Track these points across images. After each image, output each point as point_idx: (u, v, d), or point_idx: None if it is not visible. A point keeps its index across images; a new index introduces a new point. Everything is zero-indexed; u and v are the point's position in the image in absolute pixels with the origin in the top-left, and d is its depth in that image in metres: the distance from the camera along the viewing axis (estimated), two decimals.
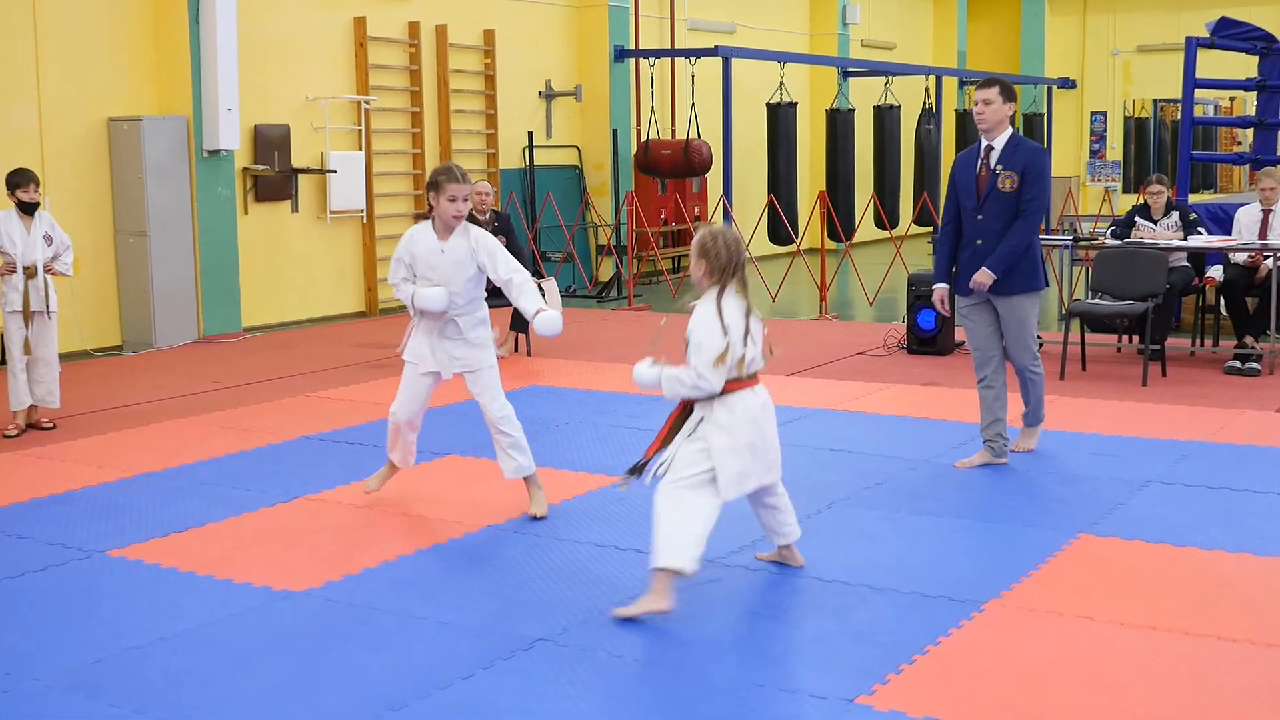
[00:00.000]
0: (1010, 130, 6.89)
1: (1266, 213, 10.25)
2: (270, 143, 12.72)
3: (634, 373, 4.93)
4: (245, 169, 12.58)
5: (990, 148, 6.87)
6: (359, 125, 13.65)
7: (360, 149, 13.65)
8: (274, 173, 12.73)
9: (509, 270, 5.98)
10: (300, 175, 13.08)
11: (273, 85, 12.84)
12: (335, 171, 13.22)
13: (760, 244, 17.20)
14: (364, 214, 13.71)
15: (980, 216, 6.85)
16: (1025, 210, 6.78)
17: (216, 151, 12.04)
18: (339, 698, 4.14)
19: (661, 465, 4.88)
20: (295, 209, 13.15)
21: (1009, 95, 6.85)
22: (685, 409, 4.92)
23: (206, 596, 5.09)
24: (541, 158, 16.21)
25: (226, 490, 6.66)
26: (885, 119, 19.97)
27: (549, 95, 16.35)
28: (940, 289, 7.06)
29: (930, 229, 19.80)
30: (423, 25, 14.33)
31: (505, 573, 5.35)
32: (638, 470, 4.96)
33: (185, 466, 7.16)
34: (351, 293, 13.81)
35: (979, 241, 6.86)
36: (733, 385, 4.84)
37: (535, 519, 6.05)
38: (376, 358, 10.80)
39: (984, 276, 6.77)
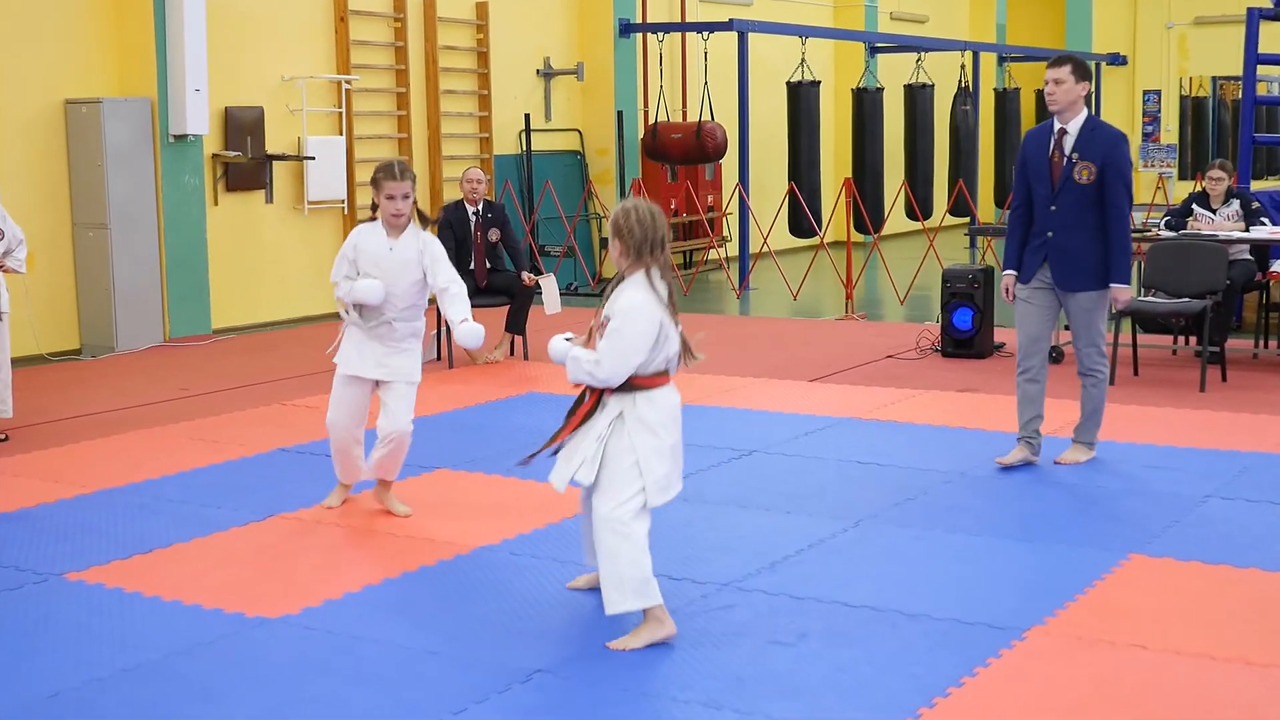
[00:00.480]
0: (1085, 112, 6.98)
1: None
2: (242, 127, 12.75)
3: (549, 344, 4.94)
4: (215, 155, 12.61)
5: (1064, 131, 6.97)
6: (340, 108, 13.68)
7: (341, 133, 13.68)
8: (246, 159, 12.77)
9: (446, 280, 6.37)
10: (275, 162, 13.11)
11: (245, 64, 12.87)
12: (314, 158, 13.25)
13: (780, 236, 17.21)
14: (345, 205, 13.74)
15: (1053, 208, 6.97)
16: (1117, 214, 6.94)
17: (184, 136, 12.07)
18: None
19: (578, 466, 4.81)
20: (270, 199, 13.19)
21: (1083, 74, 6.95)
22: (599, 399, 4.86)
23: (173, 624, 5.10)
24: (539, 142, 16.23)
25: (195, 508, 6.67)
26: (917, 99, 19.97)
27: (548, 74, 16.37)
28: (1009, 276, 7.22)
29: (967, 219, 19.80)
30: None
31: (500, 598, 5.35)
32: (532, 458, 5.09)
33: (150, 482, 7.18)
34: (331, 292, 13.73)
35: (1050, 234, 6.98)
36: (656, 380, 4.83)
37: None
38: None
39: (1124, 294, 7.04)
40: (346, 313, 6.51)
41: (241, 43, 12.81)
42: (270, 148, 13.04)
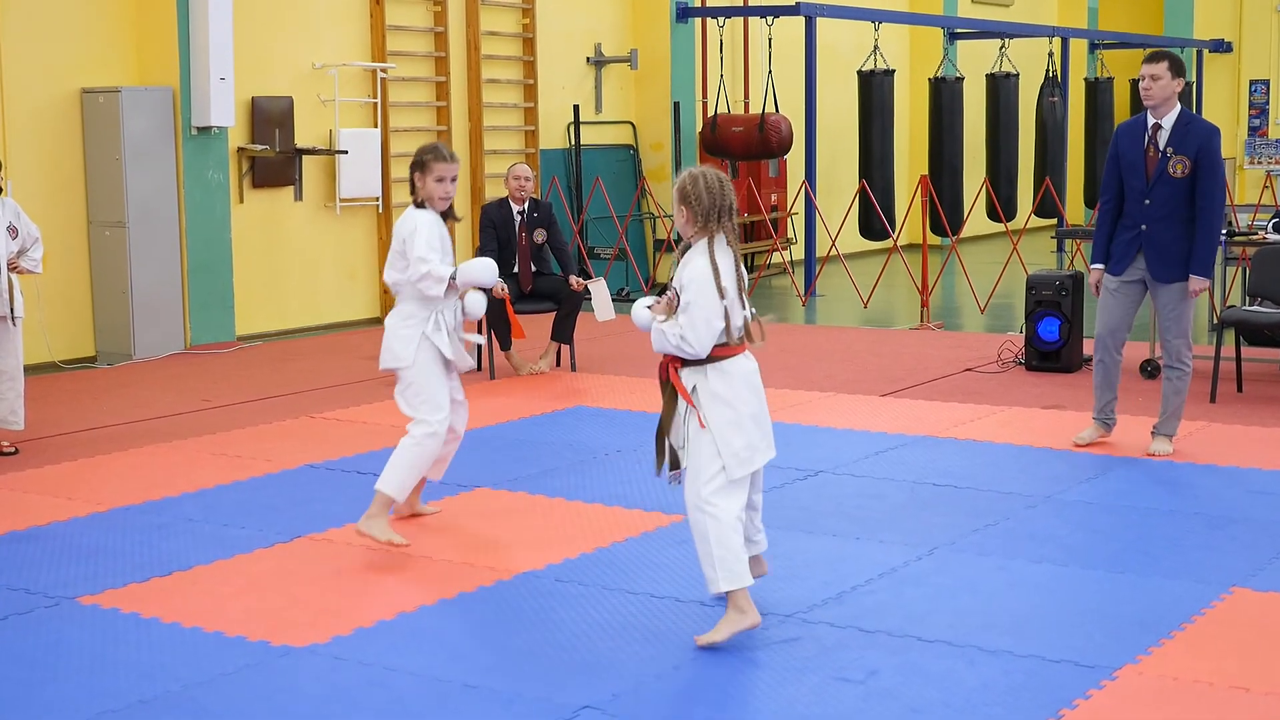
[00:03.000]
0: (1179, 107, 7.66)
1: None
2: (270, 118, 12.84)
3: (633, 311, 5.26)
4: (241, 149, 12.71)
5: (1158, 125, 7.64)
6: (374, 98, 13.76)
7: (376, 126, 13.75)
8: (274, 154, 12.85)
9: None
10: (305, 157, 13.19)
11: (273, 51, 12.97)
12: (346, 152, 13.33)
13: (850, 238, 17.19)
14: (379, 203, 13.82)
15: (1148, 201, 7.63)
16: (1207, 204, 7.59)
17: (207, 128, 12.17)
18: None
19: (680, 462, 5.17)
20: (299, 196, 13.27)
21: (1179, 70, 7.61)
22: (667, 379, 5.17)
23: (194, 652, 5.14)
24: (589, 135, 16.25)
25: (217, 527, 6.73)
26: (1000, 90, 19.89)
27: (599, 62, 16.41)
28: (1097, 271, 7.89)
29: (1054, 221, 19.70)
30: None
31: (543, 628, 5.37)
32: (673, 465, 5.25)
33: (169, 500, 7.24)
34: (364, 296, 13.92)
35: (1143, 227, 7.64)
36: (727, 351, 5.10)
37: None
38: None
39: (1199, 284, 7.64)
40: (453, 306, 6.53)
41: (269, 28, 12.91)
42: (300, 141, 13.12)
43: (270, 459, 8.09)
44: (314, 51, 13.30)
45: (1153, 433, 7.95)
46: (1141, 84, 7.64)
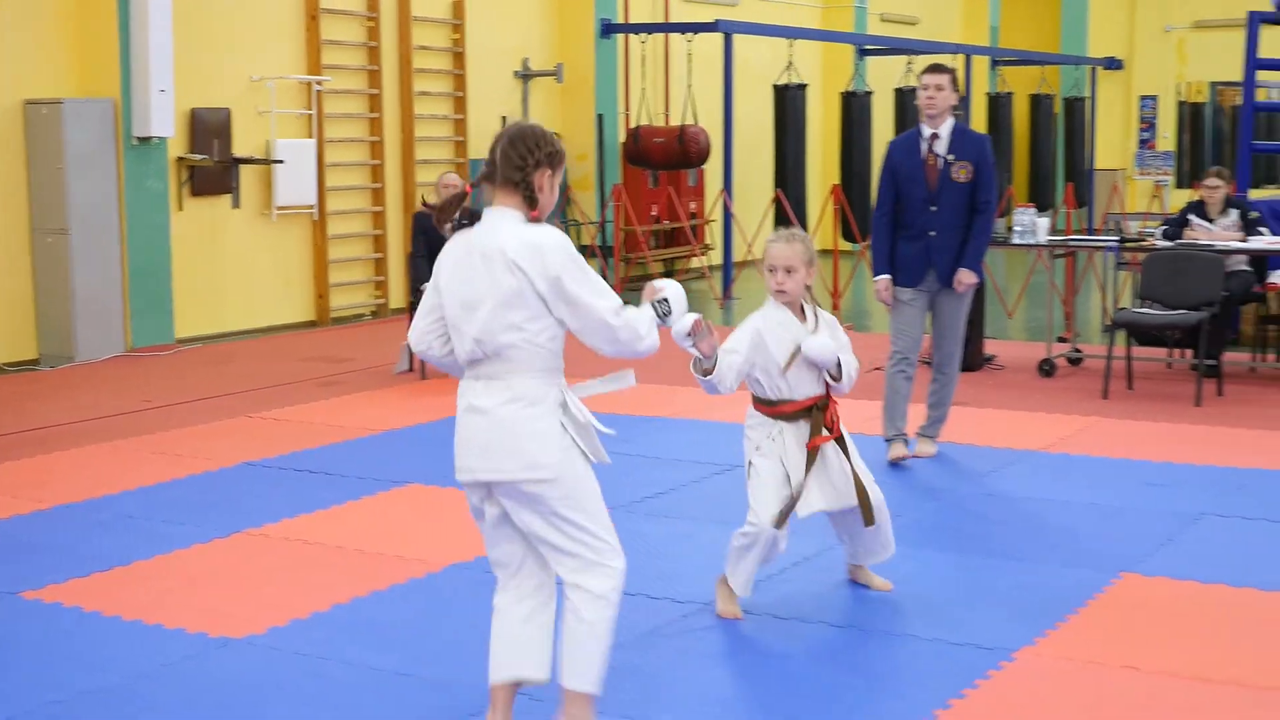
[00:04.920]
0: (952, 118, 7.63)
1: None
2: (209, 129, 12.74)
3: (818, 349, 5.18)
4: (180, 159, 12.59)
5: (936, 135, 7.59)
6: (310, 109, 13.68)
7: (311, 136, 13.67)
8: (213, 163, 12.75)
9: None
10: (243, 166, 13.09)
11: (212, 64, 12.85)
12: (282, 162, 13.24)
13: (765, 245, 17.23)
14: (315, 210, 13.73)
15: (934, 208, 7.60)
16: (985, 207, 7.61)
17: (148, 139, 12.06)
18: None
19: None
20: (236, 204, 13.17)
21: (956, 83, 7.65)
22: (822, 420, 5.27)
23: (135, 645, 5.10)
24: None
25: (157, 524, 6.67)
26: (907, 103, 20.02)
27: (526, 75, 16.40)
28: (884, 280, 7.78)
29: None
30: None
31: (473, 617, 5.34)
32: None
33: (110, 497, 7.17)
34: (300, 300, 13.82)
35: (932, 234, 7.59)
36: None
37: None
38: (328, 373, 10.82)
39: (969, 278, 7.60)
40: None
41: (208, 42, 12.79)
42: (237, 151, 13.02)
43: (209, 457, 8.02)
44: (251, 65, 13.20)
45: (919, 434, 7.88)
46: (925, 94, 7.55)
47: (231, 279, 13.15)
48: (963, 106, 20.71)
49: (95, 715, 4.48)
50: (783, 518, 5.18)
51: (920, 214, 7.59)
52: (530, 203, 4.00)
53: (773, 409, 5.24)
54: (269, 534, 6.50)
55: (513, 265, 3.92)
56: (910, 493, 7.07)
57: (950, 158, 7.53)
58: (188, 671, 4.84)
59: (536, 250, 3.91)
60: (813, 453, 5.21)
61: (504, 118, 15.85)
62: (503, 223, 3.98)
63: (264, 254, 13.43)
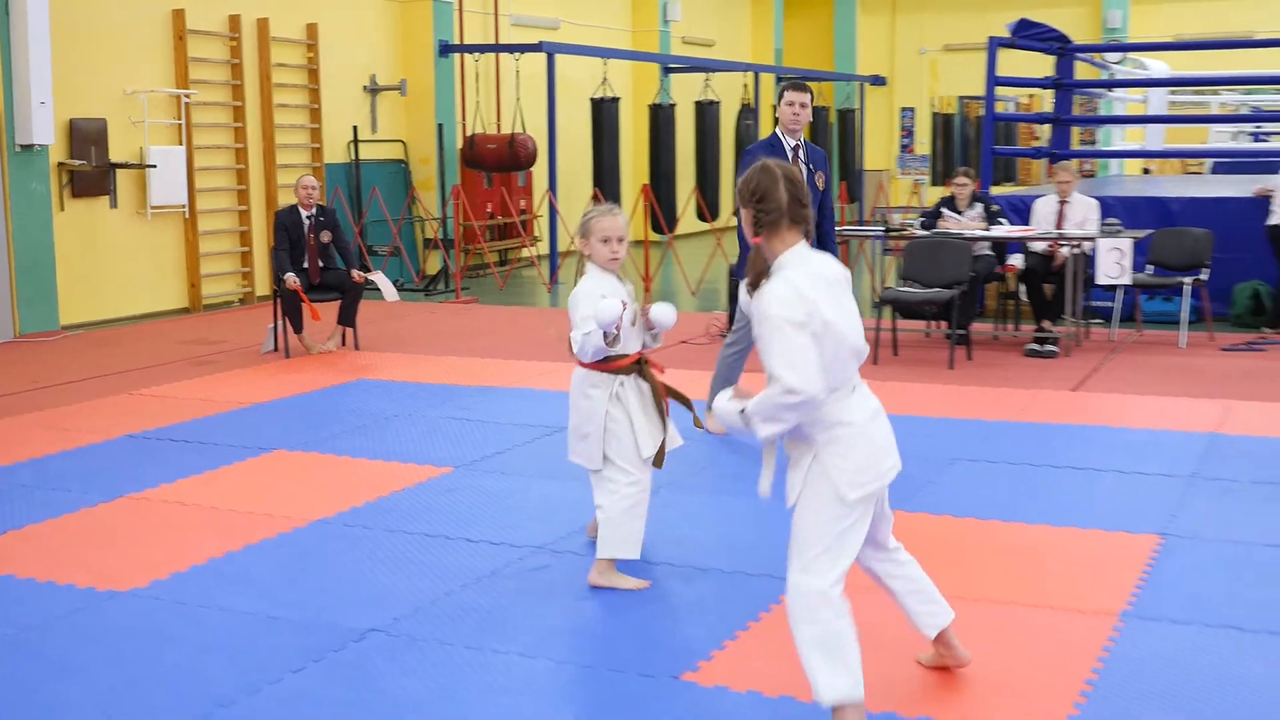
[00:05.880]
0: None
1: (1062, 204, 10.66)
2: (87, 137, 12.31)
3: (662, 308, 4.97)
4: (61, 164, 12.15)
5: (798, 146, 7.42)
6: (179, 119, 13.30)
7: (181, 143, 13.30)
8: (91, 168, 12.33)
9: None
10: (119, 170, 12.69)
11: (89, 78, 12.42)
12: (155, 166, 12.86)
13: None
14: (186, 209, 13.36)
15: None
16: (831, 211, 7.60)
17: (30, 146, 11.60)
18: (169, 697, 4.06)
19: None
20: (114, 205, 12.76)
21: (814, 100, 7.52)
22: None
23: (27, 600, 4.92)
24: (367, 152, 16.00)
25: (46, 492, 6.44)
26: (705, 114, 20.19)
27: (374, 90, 16.15)
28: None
29: None
30: (244, 19, 14.01)
31: (335, 566, 5.30)
32: None
33: (4, 469, 6.90)
34: (174, 289, 13.45)
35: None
36: None
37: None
38: (201, 354, 10.55)
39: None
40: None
41: (85, 59, 12.35)
42: (114, 156, 12.61)
43: (94, 431, 7.77)
44: (125, 79, 12.78)
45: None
46: (790, 110, 7.28)
47: (111, 271, 12.75)
48: (753, 117, 20.96)
49: None
50: (661, 457, 5.06)
51: None
52: (806, 236, 3.74)
53: (611, 365, 5.02)
54: (150, 498, 6.33)
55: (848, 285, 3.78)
56: (715, 447, 7.15)
57: (811, 166, 7.44)
58: (78, 622, 4.70)
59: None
60: (661, 397, 5.09)
61: (355, 127, 15.62)
62: (818, 253, 3.75)
63: (140, 248, 13.05)
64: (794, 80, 7.46)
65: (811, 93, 7.40)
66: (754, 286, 3.63)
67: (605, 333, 4.80)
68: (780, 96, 7.40)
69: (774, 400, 3.52)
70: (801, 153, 7.36)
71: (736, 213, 3.86)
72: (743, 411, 3.63)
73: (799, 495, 3.71)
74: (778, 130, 7.42)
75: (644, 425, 5.00)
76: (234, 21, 13.91)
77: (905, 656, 4.29)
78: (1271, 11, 23.08)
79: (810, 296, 3.54)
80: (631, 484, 4.96)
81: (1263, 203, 11.45)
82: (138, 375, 9.69)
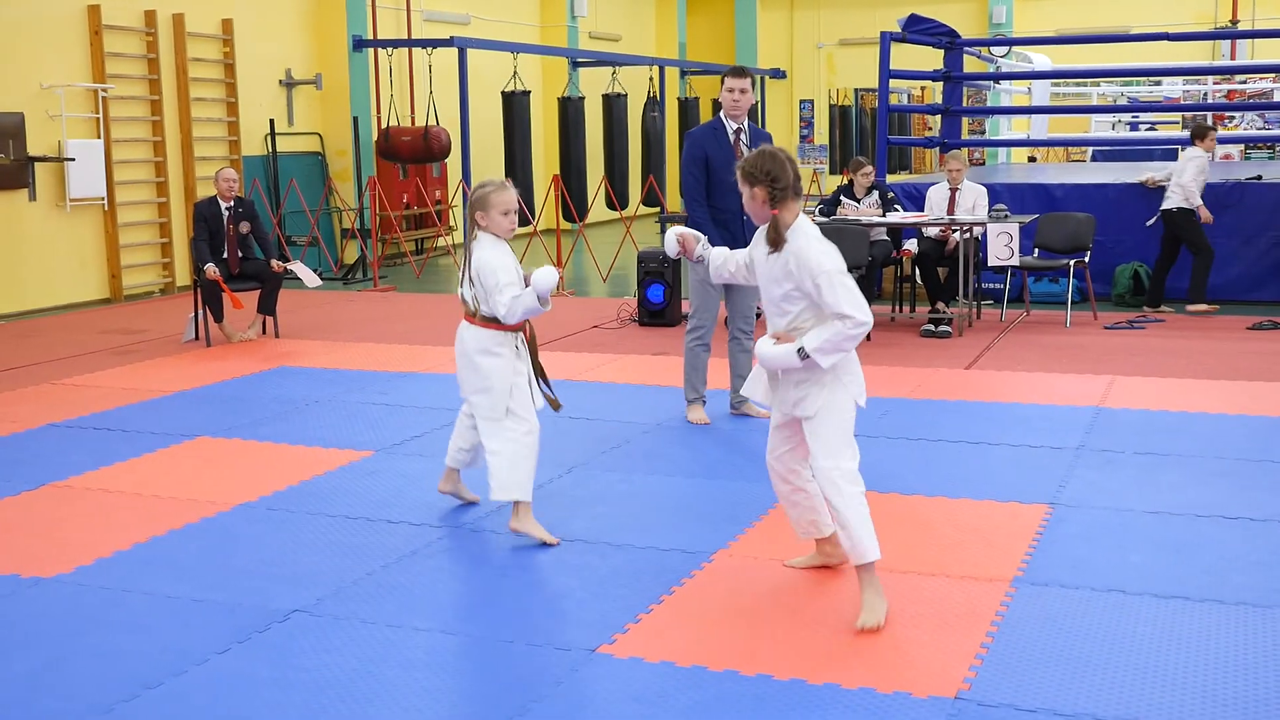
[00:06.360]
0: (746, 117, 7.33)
1: (954, 191, 10.79)
2: (4, 131, 11.98)
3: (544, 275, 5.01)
4: None
5: (740, 129, 7.24)
6: (97, 113, 13.00)
7: (99, 137, 13.00)
8: (9, 161, 12.02)
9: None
10: (37, 164, 12.38)
11: (4, 72, 12.09)
12: (74, 159, 12.57)
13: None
14: (105, 201, 13.08)
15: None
16: None
17: None
18: (94, 681, 3.97)
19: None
20: (33, 197, 12.44)
21: (754, 86, 7.31)
22: None
23: None
24: (284, 145, 15.76)
25: None
26: (613, 107, 20.15)
27: (289, 84, 15.91)
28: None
29: (657, 209, 20.11)
30: (159, 14, 13.72)
31: (259, 548, 5.22)
32: None
33: None
34: (95, 280, 13.16)
35: (745, 216, 7.13)
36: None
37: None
38: (122, 344, 10.34)
39: None
40: None
41: (1, 52, 12.02)
42: (32, 150, 12.29)
43: (16, 420, 7.58)
44: (42, 74, 12.46)
45: (745, 399, 7.29)
46: (730, 96, 7.10)
47: (31, 263, 12.44)
48: (659, 109, 20.95)
49: None
50: (555, 401, 5.41)
51: (734, 199, 7.00)
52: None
53: (510, 326, 5.18)
54: (73, 485, 6.19)
55: None
56: (626, 427, 7.14)
57: (752, 149, 7.12)
58: (3, 609, 4.58)
59: None
60: (538, 352, 5.34)
61: (271, 120, 15.38)
62: (805, 218, 4.51)
63: (60, 240, 12.75)
64: (735, 67, 7.32)
65: (752, 78, 7.29)
66: (774, 247, 4.40)
67: (540, 296, 5.00)
68: (722, 83, 7.28)
69: (846, 333, 4.22)
70: (744, 136, 7.21)
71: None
72: (800, 350, 4.27)
73: (821, 406, 4.33)
74: (721, 114, 7.30)
75: (533, 379, 5.31)
76: (149, 16, 13.62)
77: (812, 625, 4.32)
78: (1145, 7, 23.55)
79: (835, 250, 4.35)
80: (528, 432, 5.21)
81: (1151, 192, 11.66)
82: (59, 365, 9.47)
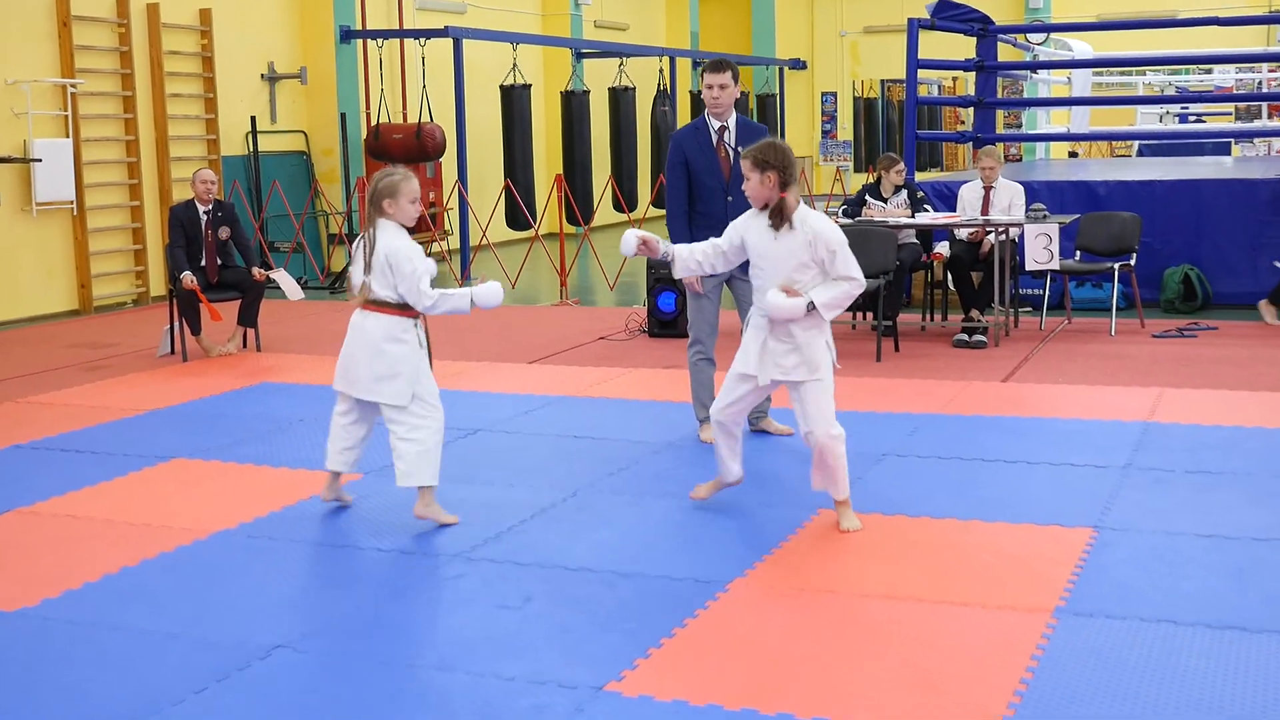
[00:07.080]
0: (735, 112, 7.21)
1: (987, 189, 10.78)
2: None
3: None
4: None
5: (724, 128, 7.14)
6: (66, 111, 13.05)
7: (68, 136, 13.05)
8: None
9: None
10: (1, 165, 12.43)
11: None
12: (40, 160, 12.62)
13: (498, 229, 17.20)
14: (74, 205, 13.12)
15: (730, 198, 7.06)
16: None
17: None
18: None
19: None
20: None
21: (738, 77, 7.19)
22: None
23: None
24: (266, 144, 15.81)
25: None
26: (621, 101, 20.20)
27: (272, 78, 15.96)
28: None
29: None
30: (132, 4, 13.79)
31: (238, 579, 5.22)
32: None
33: None
34: (63, 290, 13.20)
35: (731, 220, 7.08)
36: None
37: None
38: (93, 359, 10.36)
39: None
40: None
41: None
42: None
43: None
44: (6, 69, 12.52)
45: (765, 416, 7.40)
46: (710, 93, 7.06)
47: None
48: (669, 103, 20.98)
49: None
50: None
51: (717, 204, 7.11)
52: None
53: (414, 313, 5.72)
54: (39, 511, 6.19)
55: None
56: (635, 447, 7.14)
57: (740, 149, 6.95)
58: None
59: None
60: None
61: (253, 118, 15.43)
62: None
63: (26, 248, 12.79)
64: (713, 60, 7.21)
65: (734, 70, 7.13)
66: (776, 226, 5.52)
67: (476, 305, 5.70)
68: (701, 79, 7.23)
69: (850, 292, 5.46)
70: (729, 136, 7.12)
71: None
72: (809, 304, 5.41)
73: (815, 369, 5.53)
74: (705, 114, 7.23)
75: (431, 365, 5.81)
76: (122, 6, 13.68)
77: (838, 660, 4.31)
78: None
79: None
80: (437, 419, 5.72)
81: (1204, 190, 11.61)
82: (25, 382, 9.49)
